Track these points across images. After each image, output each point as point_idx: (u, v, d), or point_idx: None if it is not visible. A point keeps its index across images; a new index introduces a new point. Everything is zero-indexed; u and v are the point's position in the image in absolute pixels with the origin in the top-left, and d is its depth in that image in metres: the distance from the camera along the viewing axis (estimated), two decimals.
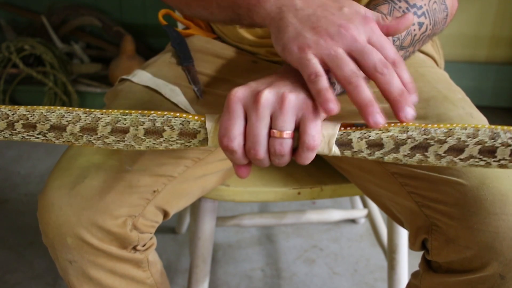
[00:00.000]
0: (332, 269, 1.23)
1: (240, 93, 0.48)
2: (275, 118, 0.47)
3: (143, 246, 0.64)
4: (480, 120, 0.68)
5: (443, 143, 0.47)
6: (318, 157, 0.84)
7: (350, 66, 0.47)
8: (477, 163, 0.48)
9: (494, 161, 0.47)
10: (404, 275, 0.98)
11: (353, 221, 1.40)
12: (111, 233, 0.59)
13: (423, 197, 0.62)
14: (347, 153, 0.50)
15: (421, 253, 0.66)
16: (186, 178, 0.68)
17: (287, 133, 0.47)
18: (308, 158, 0.48)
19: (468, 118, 0.67)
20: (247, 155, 0.48)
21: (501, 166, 0.48)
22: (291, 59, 0.49)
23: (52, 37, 1.85)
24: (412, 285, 0.67)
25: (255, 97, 0.47)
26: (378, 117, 0.47)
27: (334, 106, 0.46)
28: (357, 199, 1.34)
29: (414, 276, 0.68)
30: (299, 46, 0.48)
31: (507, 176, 0.58)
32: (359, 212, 1.18)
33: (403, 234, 0.97)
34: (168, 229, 1.35)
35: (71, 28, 1.88)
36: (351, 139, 0.49)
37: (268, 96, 0.47)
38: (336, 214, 1.08)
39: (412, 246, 0.66)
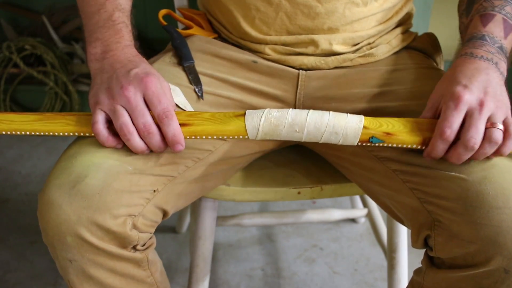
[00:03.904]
0: (332, 269, 1.23)
1: (468, 97, 0.59)
2: (492, 117, 0.59)
3: (143, 245, 0.64)
4: None
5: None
6: (319, 156, 0.85)
7: (121, 120, 0.60)
8: None
9: None
10: (404, 274, 0.98)
11: (353, 220, 1.40)
12: (110, 232, 0.59)
13: (426, 193, 0.62)
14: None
15: (421, 252, 0.67)
16: (186, 178, 0.69)
17: (500, 126, 0.59)
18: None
19: None
20: (465, 143, 0.58)
21: None
22: (91, 110, 0.63)
23: (52, 37, 1.85)
24: (415, 282, 0.67)
25: (481, 103, 0.59)
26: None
27: (118, 147, 0.62)
28: (357, 199, 1.34)
29: (416, 273, 0.68)
30: (94, 102, 0.62)
31: (509, 170, 0.58)
32: (359, 212, 1.19)
33: (403, 234, 0.97)
34: (168, 228, 1.35)
35: (71, 28, 1.88)
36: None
37: (490, 104, 0.59)
38: (336, 214, 1.08)
39: (414, 244, 0.67)
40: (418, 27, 1.67)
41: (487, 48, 0.64)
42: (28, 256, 1.26)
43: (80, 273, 0.61)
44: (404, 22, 0.83)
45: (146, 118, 0.60)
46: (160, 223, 0.68)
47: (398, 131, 0.62)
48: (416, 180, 0.64)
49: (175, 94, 0.70)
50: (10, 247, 1.29)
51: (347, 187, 0.83)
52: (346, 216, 1.11)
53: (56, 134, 0.64)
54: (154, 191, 0.64)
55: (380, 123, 0.62)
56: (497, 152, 0.59)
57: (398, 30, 0.82)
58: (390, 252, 0.99)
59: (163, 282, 0.71)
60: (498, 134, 0.58)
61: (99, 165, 0.60)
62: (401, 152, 0.67)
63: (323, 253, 1.28)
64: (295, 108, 0.79)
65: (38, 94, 1.79)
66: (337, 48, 0.77)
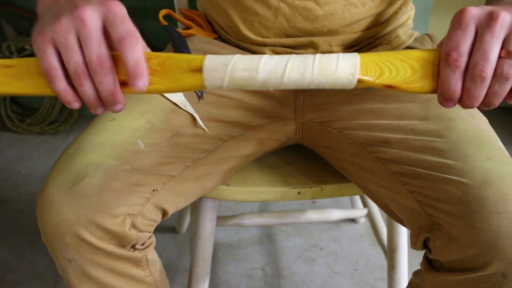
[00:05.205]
0: (332, 269, 1.23)
1: (475, 12, 0.47)
2: (509, 40, 0.46)
3: (142, 245, 0.64)
4: (481, 120, 0.69)
5: None
6: (319, 156, 0.85)
7: (75, 58, 0.47)
8: None
9: None
10: (404, 275, 0.98)
11: (353, 220, 1.40)
12: (109, 232, 0.59)
13: (425, 196, 0.62)
14: None
15: (421, 252, 0.66)
16: (185, 177, 0.69)
17: None
18: None
19: (468, 118, 0.67)
20: (471, 72, 0.47)
21: None
22: (34, 48, 0.48)
23: None
24: (414, 284, 0.67)
25: (492, 16, 0.46)
26: (99, 111, 0.50)
27: (76, 105, 0.49)
28: (357, 199, 1.34)
29: (415, 275, 0.68)
30: (39, 33, 0.47)
31: (509, 175, 0.58)
32: (359, 212, 1.19)
33: (403, 234, 0.97)
34: (168, 228, 1.35)
35: None
36: None
37: (506, 16, 0.46)
38: (336, 214, 1.08)
39: (414, 245, 0.66)
40: (418, 27, 1.67)
41: None
42: (28, 256, 1.26)
43: (79, 272, 0.61)
44: (404, 22, 0.83)
45: (102, 49, 0.47)
46: (160, 223, 0.67)
47: (404, 81, 0.48)
48: (415, 182, 0.64)
49: (174, 94, 0.70)
50: (10, 247, 1.29)
51: (347, 187, 0.83)
52: (346, 216, 1.11)
53: None
54: (153, 190, 0.63)
55: (381, 69, 0.48)
56: None
57: (398, 30, 0.82)
58: (390, 252, 0.99)
59: (163, 281, 0.71)
60: (510, 67, 0.46)
61: (98, 165, 0.60)
62: (401, 154, 0.66)
63: (323, 253, 1.28)
64: (295, 108, 0.78)
65: None
66: (337, 50, 0.77)
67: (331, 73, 0.47)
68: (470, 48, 0.47)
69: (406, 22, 0.84)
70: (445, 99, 0.49)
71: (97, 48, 0.47)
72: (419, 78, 0.48)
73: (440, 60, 0.47)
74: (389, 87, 0.47)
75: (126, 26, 0.48)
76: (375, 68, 0.48)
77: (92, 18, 0.47)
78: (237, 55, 0.48)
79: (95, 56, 0.47)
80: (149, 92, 0.50)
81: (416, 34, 0.86)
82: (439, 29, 1.79)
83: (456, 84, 0.47)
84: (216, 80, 0.48)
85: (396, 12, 0.80)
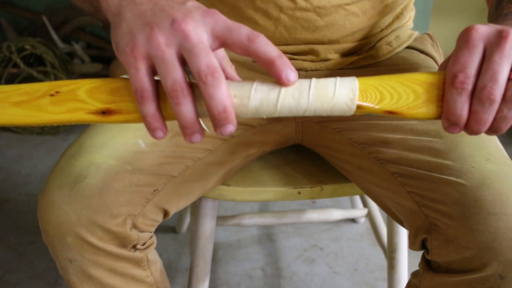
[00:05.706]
0: (332, 269, 1.23)
1: (483, 30, 0.45)
2: None
3: (143, 245, 0.64)
4: None
5: None
6: (319, 156, 0.85)
7: (174, 73, 0.41)
8: None
9: None
10: (404, 275, 0.98)
11: (353, 220, 1.40)
12: (110, 232, 0.59)
13: (423, 197, 0.62)
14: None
15: (421, 252, 0.67)
16: (186, 177, 0.69)
17: None
18: None
19: None
20: (478, 94, 0.44)
21: None
22: (123, 60, 0.43)
23: (52, 37, 1.85)
24: (412, 284, 0.67)
25: (502, 34, 0.44)
26: (195, 138, 0.44)
27: (160, 134, 0.44)
28: (357, 199, 1.34)
29: (414, 275, 0.68)
30: (129, 46, 0.42)
31: (507, 176, 0.58)
32: (359, 212, 1.19)
33: (403, 234, 0.97)
34: (168, 228, 1.36)
35: (71, 28, 1.88)
36: None
37: None
38: (336, 214, 1.08)
39: (412, 245, 0.67)
40: (418, 27, 1.67)
41: None
42: (28, 256, 1.26)
43: (80, 273, 0.61)
44: (404, 23, 0.83)
45: (212, 59, 0.41)
46: (160, 223, 0.68)
47: (406, 106, 0.45)
48: (413, 183, 0.64)
49: None
50: (10, 247, 1.29)
51: (347, 187, 0.83)
52: (346, 216, 1.11)
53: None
54: (154, 190, 0.64)
55: (382, 94, 0.46)
56: None
57: (398, 31, 0.82)
58: (390, 252, 0.99)
59: (163, 281, 0.71)
60: None
61: (99, 166, 0.60)
62: (400, 155, 0.66)
63: (323, 253, 1.28)
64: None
65: None
66: (337, 56, 0.76)
67: (328, 99, 0.44)
68: (477, 70, 0.45)
69: (406, 23, 0.84)
70: (451, 124, 0.46)
71: (206, 58, 0.41)
72: (423, 103, 0.45)
73: (446, 83, 0.45)
74: (390, 113, 0.45)
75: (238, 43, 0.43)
76: (375, 93, 0.45)
77: (195, 29, 0.42)
78: (227, 81, 0.44)
79: (204, 67, 0.41)
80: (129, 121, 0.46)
81: (416, 34, 0.86)
82: (439, 29, 1.79)
83: (462, 107, 0.45)
84: (204, 108, 0.43)
85: (397, 17, 0.80)
